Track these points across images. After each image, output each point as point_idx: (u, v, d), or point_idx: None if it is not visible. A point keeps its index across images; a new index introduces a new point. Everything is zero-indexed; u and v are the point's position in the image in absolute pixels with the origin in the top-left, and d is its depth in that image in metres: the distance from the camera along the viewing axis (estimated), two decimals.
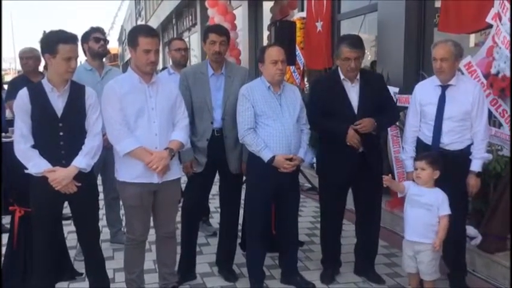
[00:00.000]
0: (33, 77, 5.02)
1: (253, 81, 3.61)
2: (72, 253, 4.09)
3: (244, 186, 3.87)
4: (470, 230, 3.91)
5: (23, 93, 2.93)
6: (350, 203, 3.94)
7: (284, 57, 3.50)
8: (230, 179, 3.77)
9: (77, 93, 3.03)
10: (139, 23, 34.83)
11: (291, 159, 3.45)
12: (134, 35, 3.14)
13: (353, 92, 3.64)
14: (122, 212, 4.81)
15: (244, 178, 3.85)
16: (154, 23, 24.02)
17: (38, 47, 5.28)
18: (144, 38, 3.10)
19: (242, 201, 3.97)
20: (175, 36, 18.88)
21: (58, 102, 2.97)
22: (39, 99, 2.92)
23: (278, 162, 3.41)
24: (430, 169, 3.31)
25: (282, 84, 3.56)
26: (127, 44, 3.28)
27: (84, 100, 3.04)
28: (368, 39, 7.39)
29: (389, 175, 3.50)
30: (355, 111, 3.60)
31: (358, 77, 3.64)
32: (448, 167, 3.35)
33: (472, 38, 5.18)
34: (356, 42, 3.58)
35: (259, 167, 3.47)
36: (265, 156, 3.40)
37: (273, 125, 3.43)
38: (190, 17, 17.99)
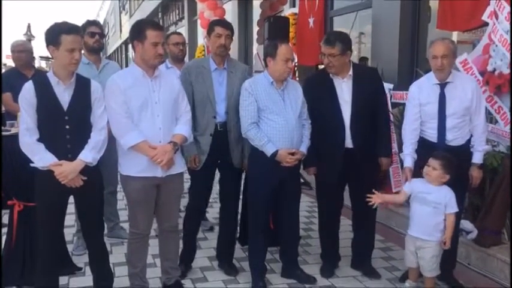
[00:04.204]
0: (25, 71, 4.93)
1: (256, 76, 3.63)
2: (69, 248, 4.08)
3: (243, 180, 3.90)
4: (467, 224, 3.98)
5: (29, 86, 2.89)
6: (347, 199, 3.97)
7: (292, 56, 3.53)
8: (231, 173, 3.78)
9: (82, 87, 3.00)
10: (123, 16, 34.45)
11: (293, 154, 3.47)
12: (141, 29, 3.11)
13: (346, 88, 3.65)
14: (119, 206, 4.83)
15: (244, 172, 3.86)
16: (139, 16, 23.74)
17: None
18: (152, 31, 3.09)
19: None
20: None
21: (64, 95, 2.93)
22: (44, 93, 2.89)
23: (281, 157, 3.43)
24: (441, 171, 3.30)
25: (285, 80, 3.57)
26: (131, 39, 3.25)
27: (90, 94, 3.01)
28: (360, 36, 7.44)
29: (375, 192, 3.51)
30: (349, 109, 3.61)
31: (350, 72, 3.65)
32: None
33: (455, 36, 5.21)
34: (330, 39, 3.58)
35: (261, 161, 3.48)
36: (268, 150, 3.42)
37: (276, 120, 3.44)
38: (177, 11, 17.86)
